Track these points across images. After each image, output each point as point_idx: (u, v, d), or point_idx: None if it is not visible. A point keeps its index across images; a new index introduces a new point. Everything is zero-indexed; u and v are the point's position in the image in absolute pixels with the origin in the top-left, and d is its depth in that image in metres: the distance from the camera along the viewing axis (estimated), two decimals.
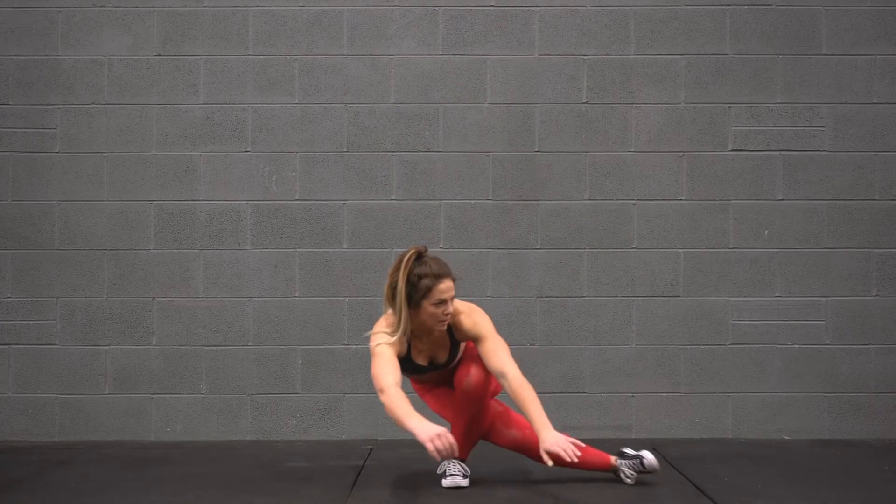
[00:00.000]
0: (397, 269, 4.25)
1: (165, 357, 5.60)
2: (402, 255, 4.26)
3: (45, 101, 5.63)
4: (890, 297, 5.63)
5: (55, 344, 5.60)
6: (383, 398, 4.07)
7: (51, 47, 5.64)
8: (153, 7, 5.64)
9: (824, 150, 5.65)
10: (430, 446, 3.87)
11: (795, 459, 5.05)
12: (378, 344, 4.24)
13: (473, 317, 4.33)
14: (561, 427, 5.56)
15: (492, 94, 5.65)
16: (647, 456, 4.47)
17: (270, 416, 5.60)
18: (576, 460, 4.05)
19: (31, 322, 5.60)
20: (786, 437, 5.59)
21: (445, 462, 4.43)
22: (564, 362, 5.61)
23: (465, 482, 4.38)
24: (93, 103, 5.64)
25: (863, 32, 5.65)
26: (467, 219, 5.60)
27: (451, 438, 3.90)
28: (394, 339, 4.25)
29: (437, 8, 5.67)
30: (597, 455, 4.50)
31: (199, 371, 5.60)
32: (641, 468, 4.48)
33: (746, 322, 5.61)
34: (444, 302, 4.23)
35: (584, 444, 4.08)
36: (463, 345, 4.46)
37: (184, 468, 4.86)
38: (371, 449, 5.32)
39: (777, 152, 5.65)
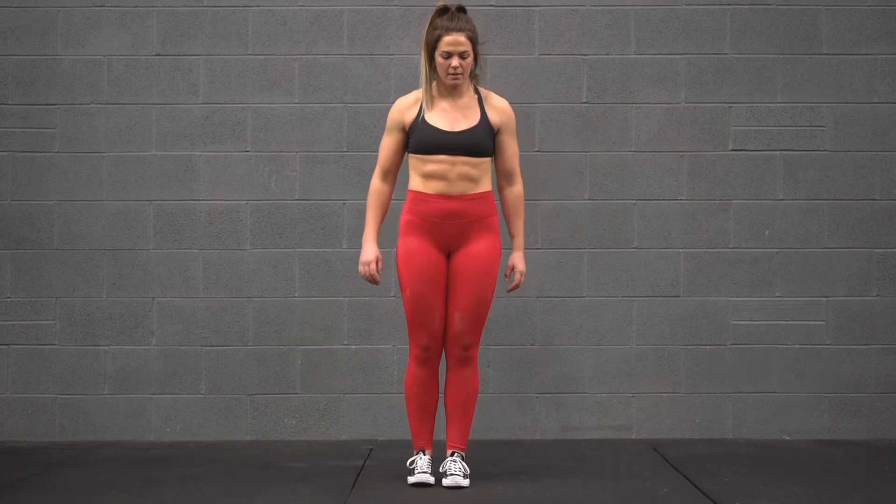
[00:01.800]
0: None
1: (165, 357, 5.59)
2: None
3: (44, 100, 5.63)
4: (891, 297, 5.62)
5: (54, 344, 5.59)
6: (369, 194, 4.57)
7: (50, 47, 5.63)
8: (153, 6, 5.64)
9: (825, 150, 5.64)
10: (360, 269, 4.54)
11: (796, 459, 5.05)
12: (387, 124, 4.53)
13: (506, 103, 4.53)
14: (561, 427, 5.58)
15: None
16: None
17: (270, 416, 5.59)
18: (507, 292, 4.66)
19: (30, 322, 5.59)
20: (786, 438, 5.59)
21: (448, 460, 4.43)
22: (564, 362, 5.61)
23: (465, 482, 4.38)
24: (92, 103, 5.64)
25: (863, 32, 5.64)
26: None
27: (373, 268, 4.49)
28: (405, 100, 4.48)
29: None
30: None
31: (198, 371, 5.59)
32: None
33: (747, 322, 5.61)
34: (449, 55, 4.33)
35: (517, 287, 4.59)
36: (493, 134, 4.46)
37: (184, 468, 4.86)
38: (371, 449, 5.31)
39: (778, 152, 5.65)
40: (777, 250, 5.64)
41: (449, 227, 4.42)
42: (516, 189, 4.53)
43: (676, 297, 5.62)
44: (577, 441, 5.52)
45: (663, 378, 5.61)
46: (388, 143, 4.50)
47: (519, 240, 4.55)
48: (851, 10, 5.64)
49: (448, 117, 4.41)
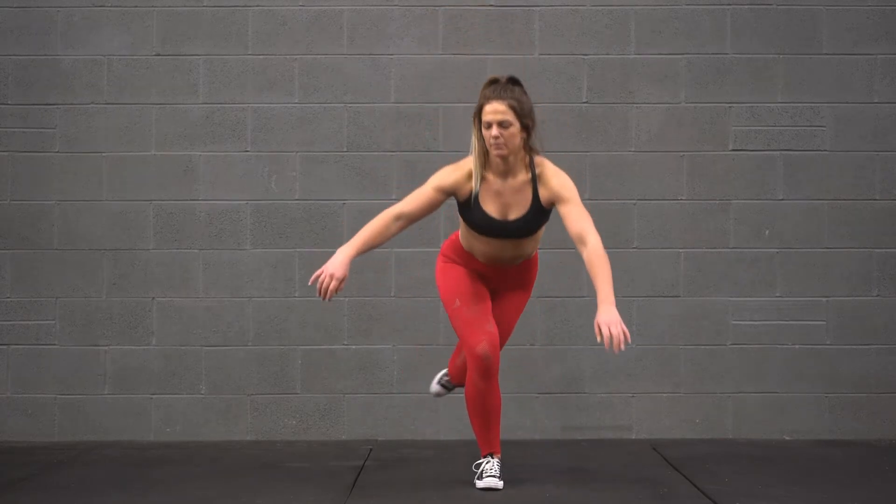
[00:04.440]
0: None
1: (165, 357, 5.59)
2: None
3: (44, 100, 5.63)
4: (891, 297, 5.62)
5: (54, 344, 5.59)
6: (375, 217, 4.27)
7: (50, 47, 5.63)
8: (153, 6, 5.64)
9: (825, 150, 5.64)
10: (314, 275, 4.11)
11: (796, 459, 5.05)
12: (429, 180, 4.27)
13: (562, 177, 4.26)
14: (561, 427, 5.58)
15: None
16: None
17: (270, 417, 5.59)
18: (615, 352, 3.91)
19: (30, 322, 5.59)
20: (786, 438, 5.59)
21: (484, 461, 4.40)
22: (564, 362, 5.61)
23: (499, 483, 4.35)
24: (92, 103, 5.64)
25: (863, 32, 5.64)
26: None
27: (334, 286, 4.07)
28: (458, 171, 4.25)
29: (437, 8, 5.67)
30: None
31: (198, 371, 5.59)
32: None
33: (747, 322, 5.61)
34: (489, 125, 4.15)
35: (629, 339, 3.91)
36: (541, 223, 4.33)
37: (184, 468, 4.86)
38: (371, 449, 5.31)
39: (778, 152, 5.65)
40: (777, 250, 5.64)
41: (490, 278, 4.43)
42: (590, 248, 4.09)
43: (676, 297, 5.62)
44: (577, 441, 5.52)
45: (663, 378, 5.61)
46: (425, 197, 4.25)
47: (601, 294, 4.00)
48: (851, 10, 5.64)
49: (500, 203, 4.24)
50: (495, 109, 4.15)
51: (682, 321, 5.62)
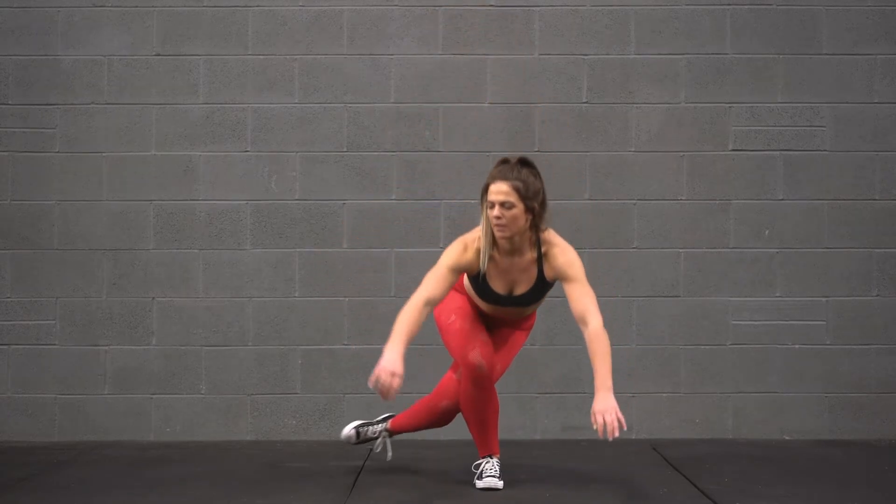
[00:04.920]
0: None
1: (165, 357, 5.59)
2: None
3: (44, 100, 5.63)
4: (891, 297, 5.62)
5: (54, 344, 5.59)
6: (403, 309, 4.17)
7: (50, 47, 5.63)
8: (153, 6, 5.64)
9: (825, 150, 5.65)
10: (372, 377, 4.03)
11: (796, 459, 5.05)
12: (442, 259, 4.26)
13: (568, 255, 4.25)
14: (561, 427, 5.58)
15: (492, 94, 5.65)
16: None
17: (270, 416, 5.59)
18: (609, 439, 3.95)
19: (30, 322, 5.59)
20: (786, 438, 5.59)
21: (484, 461, 4.41)
22: (564, 362, 5.61)
23: (499, 483, 4.37)
24: (92, 103, 5.64)
25: (863, 32, 5.64)
26: (467, 219, 5.59)
27: (397, 384, 4.00)
28: (468, 251, 4.25)
29: (437, 8, 5.67)
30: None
31: (198, 371, 5.59)
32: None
33: (747, 322, 5.61)
34: (492, 205, 4.14)
35: (624, 426, 3.97)
36: (545, 293, 4.37)
37: (184, 468, 4.86)
38: (371, 449, 5.30)
39: (778, 152, 5.65)
40: (777, 250, 5.64)
41: (488, 319, 4.49)
42: (591, 329, 4.11)
43: (676, 297, 5.62)
44: (577, 441, 5.52)
45: (663, 378, 5.61)
46: (444, 280, 4.23)
47: (599, 380, 4.02)
48: (851, 10, 5.64)
49: (506, 280, 4.30)
50: (499, 190, 4.15)
51: (682, 321, 5.62)
